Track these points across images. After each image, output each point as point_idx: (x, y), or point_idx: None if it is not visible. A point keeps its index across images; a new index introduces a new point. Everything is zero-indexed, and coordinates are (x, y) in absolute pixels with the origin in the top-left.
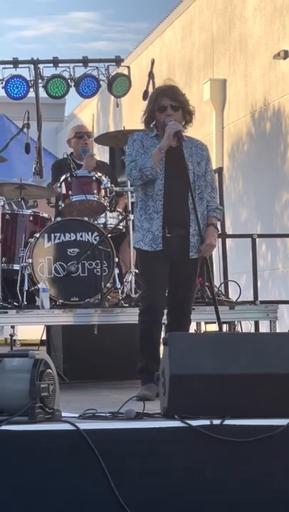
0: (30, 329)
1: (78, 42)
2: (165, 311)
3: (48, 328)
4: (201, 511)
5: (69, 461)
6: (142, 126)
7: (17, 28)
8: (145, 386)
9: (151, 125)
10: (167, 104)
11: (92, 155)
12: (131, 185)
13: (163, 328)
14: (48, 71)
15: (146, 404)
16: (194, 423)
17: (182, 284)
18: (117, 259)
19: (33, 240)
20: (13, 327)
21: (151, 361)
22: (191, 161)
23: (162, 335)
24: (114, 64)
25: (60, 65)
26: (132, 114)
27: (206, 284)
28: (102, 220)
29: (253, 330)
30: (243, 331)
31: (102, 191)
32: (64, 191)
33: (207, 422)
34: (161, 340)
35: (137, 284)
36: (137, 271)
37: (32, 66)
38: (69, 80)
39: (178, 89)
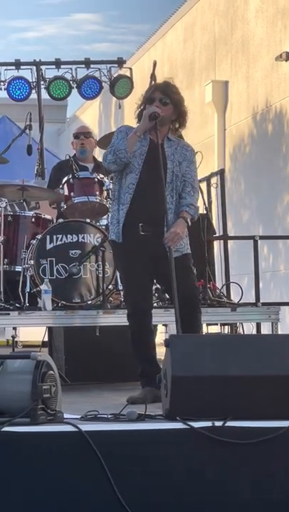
0: (32, 331)
1: (81, 43)
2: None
3: (50, 330)
4: None
5: (71, 462)
6: None
7: (20, 30)
8: (142, 390)
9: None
10: (157, 97)
11: None
12: (108, 173)
13: (164, 330)
14: (50, 73)
15: (148, 405)
16: (196, 425)
17: (167, 286)
18: None
19: (35, 241)
20: (15, 328)
21: (146, 365)
22: (172, 160)
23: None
24: (116, 65)
25: (62, 66)
26: (134, 115)
27: (208, 285)
28: (104, 222)
29: (254, 332)
30: (245, 333)
31: (104, 193)
32: (66, 193)
33: (209, 424)
34: (153, 341)
35: None
36: None
37: (34, 68)
38: (71, 82)
39: (172, 86)
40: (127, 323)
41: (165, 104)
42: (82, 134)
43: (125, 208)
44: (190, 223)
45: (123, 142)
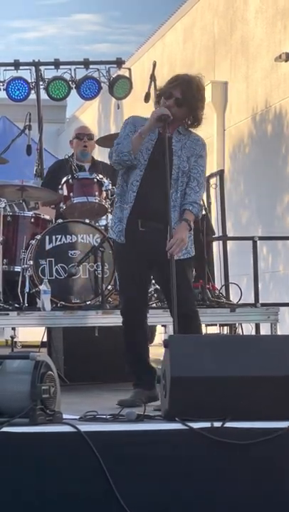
0: (31, 331)
1: (81, 44)
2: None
3: (49, 330)
4: None
5: (69, 463)
6: None
7: (20, 30)
8: (132, 392)
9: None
10: (175, 95)
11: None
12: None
13: (163, 331)
14: (49, 73)
15: (146, 406)
16: (195, 425)
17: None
18: None
19: (34, 241)
20: (14, 329)
21: (135, 365)
22: (179, 155)
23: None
24: (115, 66)
25: (61, 66)
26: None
27: (207, 286)
28: (103, 222)
29: (253, 332)
30: (244, 334)
31: (104, 193)
32: (65, 193)
33: (208, 425)
34: (146, 340)
35: None
36: None
37: (33, 68)
38: (70, 82)
39: (196, 88)
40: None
41: (180, 106)
42: (86, 136)
43: (129, 207)
44: (192, 225)
45: (127, 143)
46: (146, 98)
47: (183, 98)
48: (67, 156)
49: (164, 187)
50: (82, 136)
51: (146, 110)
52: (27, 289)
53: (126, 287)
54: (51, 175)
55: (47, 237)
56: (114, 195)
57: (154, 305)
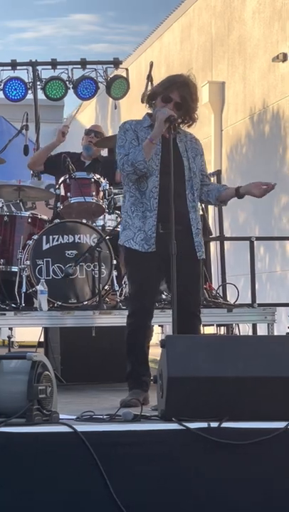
0: (28, 331)
1: (78, 44)
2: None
3: (46, 330)
4: None
5: (66, 463)
6: None
7: (17, 30)
8: (130, 392)
9: (152, 105)
10: (174, 99)
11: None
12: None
13: (160, 331)
14: (46, 73)
15: (143, 406)
16: (192, 426)
17: (188, 286)
18: (115, 262)
19: (31, 241)
20: (11, 329)
21: (138, 366)
22: (186, 157)
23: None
24: (112, 66)
25: (58, 67)
26: (130, 116)
27: (204, 286)
28: (100, 222)
29: (250, 332)
30: (241, 334)
31: (101, 193)
32: (62, 193)
33: (205, 425)
34: (148, 344)
35: None
36: None
37: (30, 68)
38: (67, 82)
39: (193, 90)
40: (126, 322)
41: (180, 109)
42: (94, 132)
43: (154, 214)
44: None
45: (140, 152)
46: (143, 98)
47: (182, 102)
48: (63, 155)
49: (180, 194)
50: (90, 132)
51: (144, 110)
52: (24, 289)
53: (142, 292)
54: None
55: (44, 237)
56: (124, 203)
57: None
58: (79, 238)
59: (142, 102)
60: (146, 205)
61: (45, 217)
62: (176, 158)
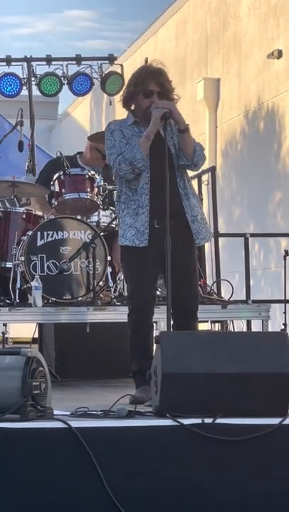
0: (23, 327)
1: (74, 40)
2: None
3: (40, 326)
4: (193, 509)
5: (60, 459)
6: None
7: (12, 26)
8: (139, 389)
9: (131, 108)
10: (154, 90)
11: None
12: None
13: (154, 327)
14: (41, 69)
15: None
16: (186, 422)
17: (182, 279)
18: (109, 258)
19: (25, 237)
20: (5, 325)
21: (143, 363)
22: (173, 144)
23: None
24: (107, 62)
25: (53, 62)
26: (125, 112)
27: (199, 283)
28: (95, 219)
29: (245, 329)
30: (236, 330)
31: (96, 189)
32: (57, 189)
33: (199, 421)
34: (152, 339)
35: None
36: None
37: (25, 64)
38: (62, 78)
39: (166, 74)
40: (127, 319)
41: (162, 96)
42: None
43: (146, 210)
44: (188, 128)
45: (138, 150)
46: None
47: (163, 88)
48: (60, 154)
49: (171, 183)
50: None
51: None
52: (18, 285)
53: (139, 288)
54: (47, 175)
55: (38, 233)
56: (117, 202)
57: None
58: (73, 234)
59: (123, 106)
60: (138, 201)
61: (39, 213)
62: (163, 149)
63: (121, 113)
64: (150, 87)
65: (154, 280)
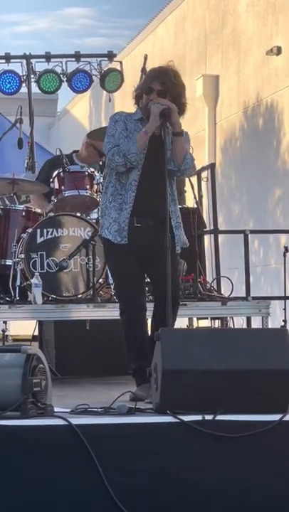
0: (23, 324)
1: (73, 38)
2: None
3: (40, 324)
4: (193, 506)
5: (61, 456)
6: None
7: (11, 24)
8: (140, 387)
9: (140, 104)
10: (155, 88)
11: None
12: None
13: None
14: (40, 66)
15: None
16: (186, 418)
17: (165, 277)
18: None
19: (25, 235)
20: (5, 322)
21: (142, 361)
22: (171, 149)
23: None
24: (106, 59)
25: (52, 60)
26: (124, 109)
27: (199, 279)
28: (94, 216)
29: (245, 326)
30: (235, 327)
31: (95, 186)
32: (57, 186)
33: (199, 418)
34: (148, 336)
35: None
36: None
37: (24, 61)
38: (61, 75)
39: (172, 75)
40: (120, 319)
41: (163, 95)
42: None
43: (129, 207)
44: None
45: (134, 145)
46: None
47: (164, 88)
48: (60, 151)
49: (161, 185)
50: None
51: None
52: (18, 283)
53: (125, 287)
54: (46, 174)
55: (38, 231)
56: (104, 193)
57: None
58: (73, 231)
59: (135, 103)
60: (124, 197)
61: (39, 210)
62: (162, 154)
63: (120, 110)
64: (152, 85)
65: (139, 275)
